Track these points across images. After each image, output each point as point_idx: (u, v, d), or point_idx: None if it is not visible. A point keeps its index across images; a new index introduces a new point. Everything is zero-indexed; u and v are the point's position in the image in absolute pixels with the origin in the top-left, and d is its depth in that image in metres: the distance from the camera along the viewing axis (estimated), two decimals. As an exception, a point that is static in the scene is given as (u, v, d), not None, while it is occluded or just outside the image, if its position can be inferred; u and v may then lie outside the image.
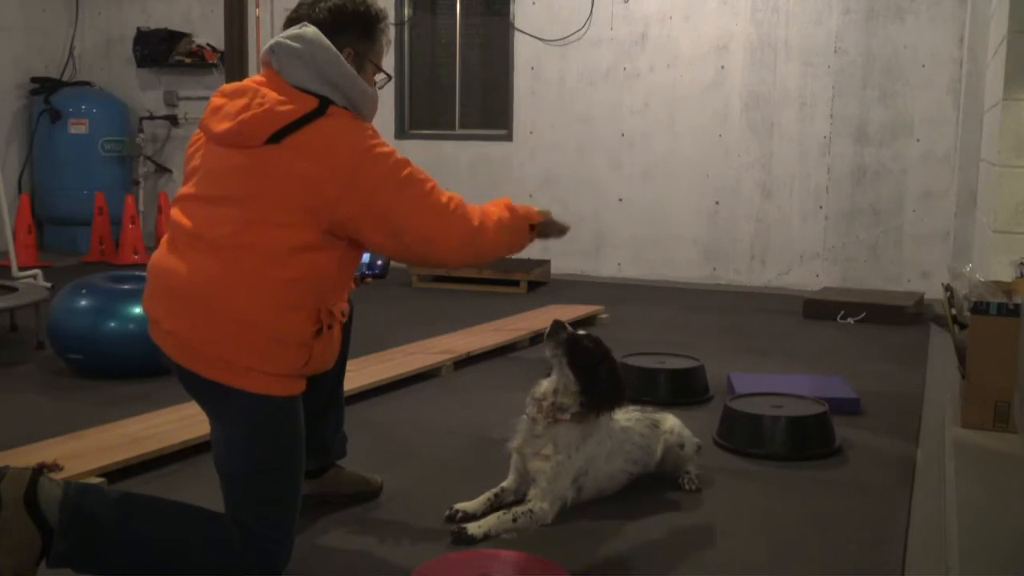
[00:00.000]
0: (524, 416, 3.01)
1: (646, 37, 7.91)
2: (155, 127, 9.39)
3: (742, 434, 3.63)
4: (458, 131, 8.53)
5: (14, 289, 5.40)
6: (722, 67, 7.73)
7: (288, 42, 2.41)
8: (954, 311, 4.10)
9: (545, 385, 2.99)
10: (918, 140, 7.31)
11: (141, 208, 8.96)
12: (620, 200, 8.08)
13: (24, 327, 5.38)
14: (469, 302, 6.80)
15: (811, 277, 7.61)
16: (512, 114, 8.30)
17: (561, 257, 8.13)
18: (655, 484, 3.24)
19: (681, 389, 4.31)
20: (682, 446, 3.24)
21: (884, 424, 4.02)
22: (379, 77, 2.62)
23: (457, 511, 2.90)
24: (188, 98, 9.27)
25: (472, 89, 8.60)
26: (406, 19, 8.58)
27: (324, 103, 2.37)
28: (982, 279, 4.05)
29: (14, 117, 9.16)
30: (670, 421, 3.30)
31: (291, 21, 2.53)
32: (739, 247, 7.81)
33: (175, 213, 2.44)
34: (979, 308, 3.71)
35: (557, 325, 2.96)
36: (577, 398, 2.92)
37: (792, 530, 2.92)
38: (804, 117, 7.57)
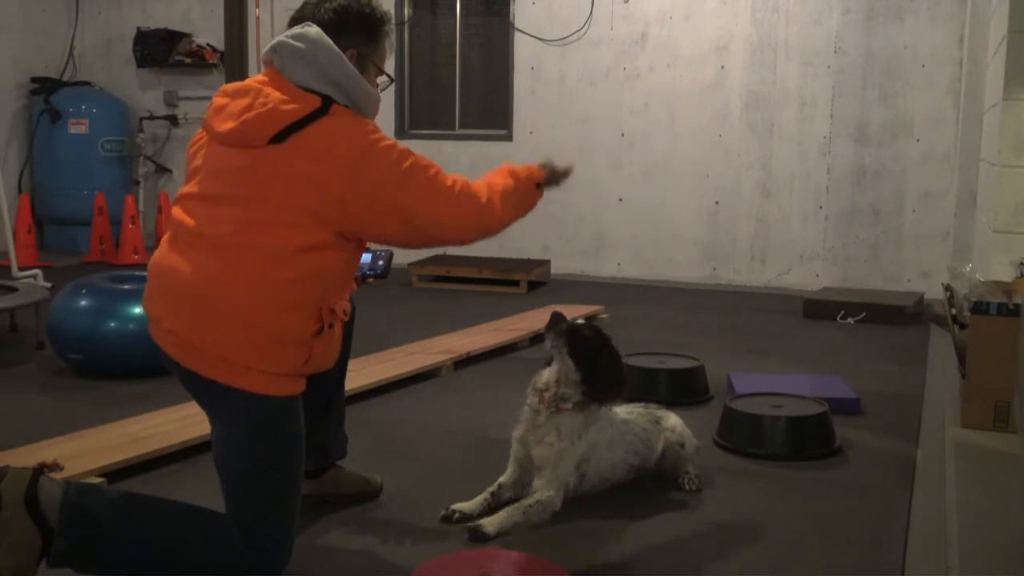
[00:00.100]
0: (526, 407, 3.02)
1: (646, 37, 7.91)
2: (155, 127, 9.39)
3: (742, 434, 3.63)
4: (458, 131, 8.53)
5: (14, 289, 5.40)
6: (722, 67, 7.73)
7: (291, 42, 2.41)
8: (954, 311, 4.10)
9: (546, 375, 3.00)
10: (918, 140, 7.31)
11: (141, 208, 8.95)
12: (620, 200, 8.08)
13: (24, 327, 5.38)
14: (469, 302, 6.80)
15: (811, 277, 7.61)
16: (512, 114, 8.30)
17: (561, 257, 8.14)
18: (655, 484, 3.24)
19: (681, 389, 4.31)
20: (683, 445, 3.24)
21: (884, 424, 4.02)
22: (381, 80, 2.62)
23: (454, 511, 2.90)
24: (188, 98, 9.27)
25: (472, 89, 8.60)
26: (406, 19, 8.58)
27: (327, 102, 2.38)
28: (982, 279, 4.05)
29: (14, 117, 9.16)
30: (672, 419, 3.31)
31: (295, 21, 2.53)
32: (739, 247, 7.81)
33: (177, 212, 2.44)
34: (979, 308, 3.72)
35: (556, 316, 2.97)
36: (578, 387, 2.93)
37: (792, 530, 2.92)
38: (804, 117, 7.57)
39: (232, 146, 2.38)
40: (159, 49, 9.17)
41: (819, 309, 6.46)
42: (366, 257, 3.02)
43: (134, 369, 4.42)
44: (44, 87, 9.08)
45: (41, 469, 2.21)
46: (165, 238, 2.47)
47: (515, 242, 8.25)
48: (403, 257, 6.45)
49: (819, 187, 7.57)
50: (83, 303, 4.53)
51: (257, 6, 8.58)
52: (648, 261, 8.04)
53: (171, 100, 9.32)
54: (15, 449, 3.30)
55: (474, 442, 3.73)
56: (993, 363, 3.66)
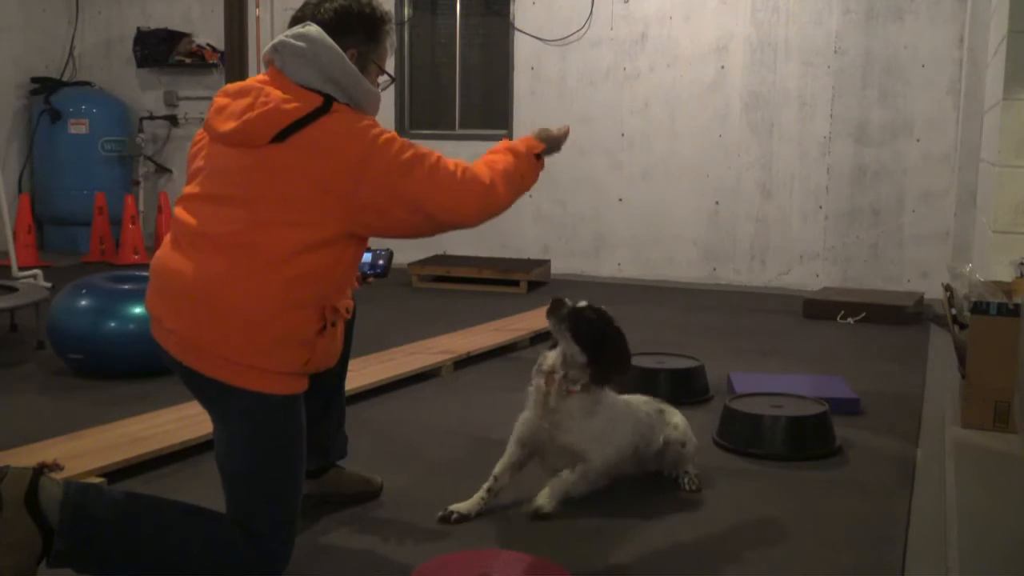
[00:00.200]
0: (531, 388, 3.04)
1: (646, 37, 7.91)
2: (155, 127, 9.39)
3: (742, 434, 3.63)
4: (458, 131, 8.53)
5: (14, 289, 5.40)
6: (722, 67, 7.73)
7: (292, 41, 2.42)
8: (954, 311, 4.10)
9: (551, 357, 3.02)
10: (918, 140, 7.31)
11: (141, 208, 8.95)
12: (620, 200, 8.08)
13: (24, 327, 5.38)
14: (469, 302, 6.80)
15: (811, 277, 7.61)
16: (512, 114, 8.30)
17: (561, 257, 8.14)
18: (655, 484, 3.25)
19: (681, 389, 4.31)
20: (684, 444, 3.25)
21: (884, 424, 4.02)
22: (382, 79, 2.63)
23: (451, 512, 2.91)
24: (188, 98, 9.27)
25: (472, 89, 8.61)
26: (406, 19, 8.58)
27: (328, 101, 2.38)
28: (982, 279, 4.05)
29: (14, 117, 9.16)
30: (677, 417, 3.32)
31: (296, 20, 2.53)
32: (739, 247, 7.81)
33: (179, 212, 2.44)
34: (979, 308, 3.72)
35: (557, 301, 2.99)
36: (585, 369, 2.94)
37: (792, 530, 2.92)
38: (804, 117, 7.57)
39: (234, 146, 2.39)
40: (159, 49, 9.17)
41: (819, 309, 6.46)
42: (366, 256, 3.02)
43: (134, 369, 4.42)
44: (44, 87, 9.08)
45: (41, 469, 2.21)
46: (167, 238, 2.47)
47: (515, 242, 8.26)
48: (403, 257, 6.45)
49: (819, 187, 7.57)
50: (83, 303, 4.53)
51: (257, 6, 8.58)
52: (648, 261, 8.04)
53: (171, 100, 9.32)
54: (15, 449, 3.30)
55: (474, 442, 3.73)
56: (993, 363, 3.66)
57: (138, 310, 4.40)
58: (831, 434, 3.67)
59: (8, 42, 9.06)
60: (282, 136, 2.33)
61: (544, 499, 2.93)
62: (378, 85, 2.60)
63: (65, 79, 9.38)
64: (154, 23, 9.30)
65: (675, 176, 7.92)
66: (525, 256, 8.17)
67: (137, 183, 9.18)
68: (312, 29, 2.44)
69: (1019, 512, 2.93)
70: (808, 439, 3.60)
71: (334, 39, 2.44)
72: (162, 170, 9.41)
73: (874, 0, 7.33)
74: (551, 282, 7.73)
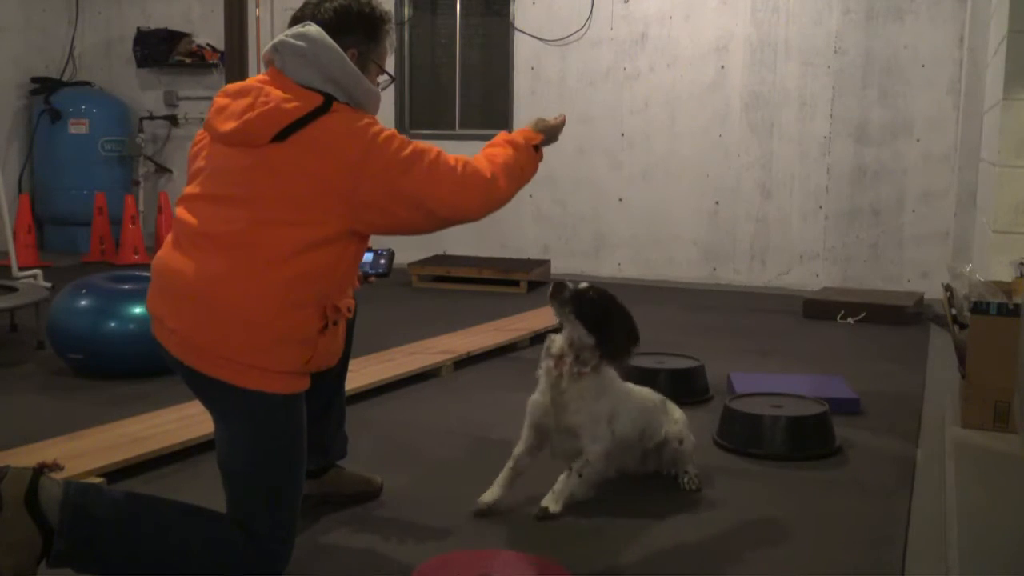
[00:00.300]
0: (540, 372, 3.05)
1: (646, 37, 7.91)
2: (155, 127, 9.39)
3: (742, 434, 3.63)
4: (458, 131, 8.53)
5: (14, 289, 5.39)
6: (722, 67, 7.73)
7: (292, 41, 2.42)
8: (954, 311, 4.10)
9: (559, 341, 3.03)
10: (918, 140, 7.31)
11: (141, 208, 8.95)
12: (620, 200, 8.08)
13: (24, 327, 5.38)
14: (469, 302, 6.80)
15: (811, 277, 7.61)
16: (512, 114, 8.29)
17: (561, 257, 8.14)
18: (655, 484, 3.25)
19: (681, 389, 4.30)
20: (681, 441, 3.25)
21: (884, 424, 4.02)
22: (382, 78, 2.63)
23: (482, 504, 2.93)
24: (188, 98, 9.27)
25: (472, 89, 8.60)
26: (406, 19, 8.58)
27: (328, 100, 2.38)
28: (982, 279, 4.05)
29: (14, 117, 9.16)
30: (678, 413, 3.33)
31: (296, 20, 2.54)
32: (739, 247, 7.81)
33: (180, 212, 2.44)
34: (979, 308, 3.71)
35: (558, 284, 3.00)
36: (594, 351, 2.95)
37: (792, 530, 2.92)
38: (804, 117, 7.57)
39: (234, 146, 2.39)
40: (159, 49, 9.17)
41: (819, 309, 6.46)
42: (368, 256, 3.02)
43: (134, 369, 4.42)
44: (44, 87, 9.08)
45: (41, 469, 2.21)
46: (169, 238, 2.48)
47: (515, 242, 8.26)
48: (403, 257, 6.45)
49: (819, 187, 7.57)
50: (83, 303, 4.53)
51: (257, 6, 8.58)
52: (648, 261, 8.04)
53: (171, 100, 9.32)
54: (15, 449, 3.30)
55: (474, 442, 3.73)
56: (993, 363, 3.66)
57: (138, 310, 4.40)
58: (831, 434, 3.67)
59: (8, 42, 9.06)
60: (282, 135, 2.33)
61: (550, 501, 2.94)
62: (378, 84, 2.60)
63: (65, 79, 9.38)
64: (154, 23, 9.30)
65: (675, 176, 7.92)
66: (525, 256, 8.17)
67: (137, 183, 9.18)
68: (312, 29, 2.44)
69: (1019, 512, 2.93)
70: (808, 439, 3.60)
71: (334, 39, 2.44)
72: (162, 170, 9.40)
73: (874, 0, 7.33)
74: (551, 282, 7.71)
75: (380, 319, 5.80)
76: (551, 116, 2.79)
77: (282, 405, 2.37)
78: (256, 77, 2.52)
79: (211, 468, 2.46)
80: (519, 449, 3.06)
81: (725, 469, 3.44)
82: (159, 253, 2.47)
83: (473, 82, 8.59)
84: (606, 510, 3.02)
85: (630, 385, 3.24)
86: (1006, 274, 4.45)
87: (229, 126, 2.38)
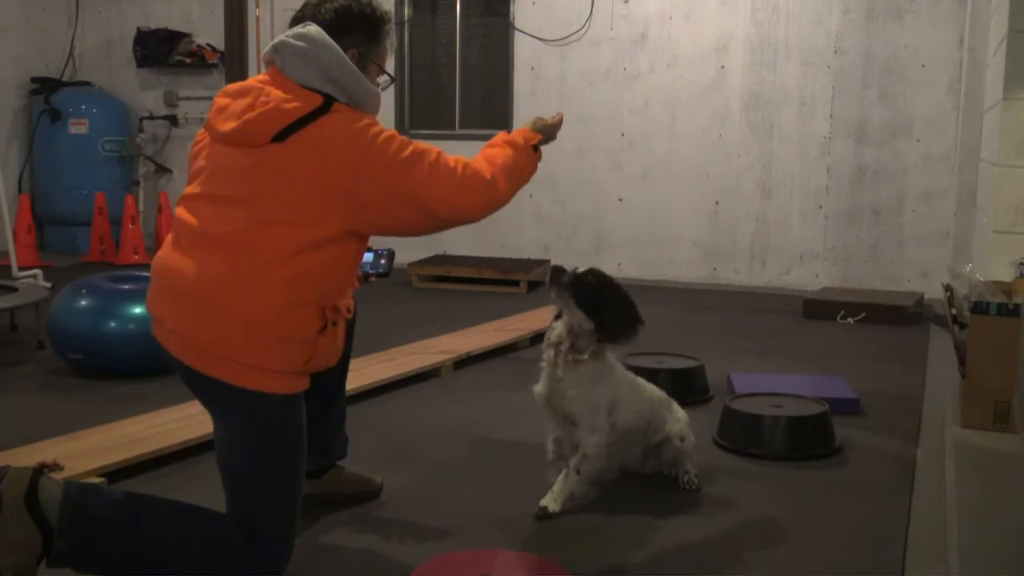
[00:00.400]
0: (543, 362, 3.05)
1: (646, 37, 7.91)
2: (155, 127, 9.39)
3: (742, 434, 3.63)
4: (458, 131, 8.53)
5: (14, 289, 5.39)
6: (722, 67, 7.73)
7: (292, 41, 2.42)
8: (954, 311, 4.10)
9: (559, 328, 3.02)
10: (918, 140, 7.31)
11: (141, 208, 8.95)
12: (620, 200, 8.08)
13: (24, 327, 5.38)
14: (469, 302, 6.80)
15: (811, 277, 7.61)
16: (512, 114, 8.29)
17: (561, 257, 8.12)
18: (655, 484, 3.24)
19: (681, 389, 4.29)
20: (683, 440, 3.24)
21: (884, 424, 4.02)
22: (382, 79, 2.63)
23: (543, 508, 2.93)
24: (188, 98, 9.27)
25: (472, 89, 8.60)
26: (406, 19, 8.58)
27: (328, 100, 2.38)
28: (982, 279, 4.05)
29: (14, 117, 9.16)
30: (681, 413, 3.32)
31: (296, 20, 2.54)
32: (739, 247, 7.81)
33: (180, 212, 2.45)
34: (979, 308, 3.71)
35: (557, 269, 2.99)
36: (592, 335, 2.94)
37: (792, 530, 2.92)
38: (804, 117, 7.57)
39: (234, 146, 2.39)
40: (159, 49, 9.17)
41: (819, 309, 6.46)
42: (368, 256, 3.02)
43: (134, 369, 4.42)
44: (44, 87, 9.08)
45: (41, 469, 2.21)
46: (169, 238, 2.48)
47: (515, 242, 8.26)
48: (403, 257, 6.44)
49: (819, 187, 7.57)
50: (83, 303, 4.53)
51: (257, 6, 8.58)
52: (648, 261, 8.04)
53: (171, 100, 9.32)
54: (15, 449, 3.30)
55: (474, 442, 3.73)
56: (993, 363, 3.66)
57: (138, 310, 4.40)
58: (831, 434, 3.66)
59: (8, 42, 9.06)
60: (282, 136, 2.33)
61: (549, 500, 2.94)
62: (378, 85, 2.60)
63: (65, 79, 9.38)
64: (154, 23, 9.30)
65: (675, 176, 7.92)
66: (525, 256, 8.17)
67: (137, 183, 9.19)
68: (312, 29, 2.44)
69: (1019, 512, 2.93)
70: (808, 439, 3.60)
71: (334, 39, 2.44)
72: (162, 170, 9.40)
73: (874, 0, 7.33)
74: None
75: (380, 319, 5.80)
76: (549, 114, 2.79)
77: (282, 405, 2.37)
78: (256, 77, 2.52)
79: (211, 468, 2.46)
80: (550, 438, 3.10)
81: (725, 469, 3.44)
82: (159, 253, 2.48)
83: (473, 82, 8.59)
84: (606, 510, 3.02)
85: (640, 380, 3.24)
86: (1006, 274, 4.45)
87: (229, 126, 2.38)
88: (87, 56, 9.58)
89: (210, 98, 2.55)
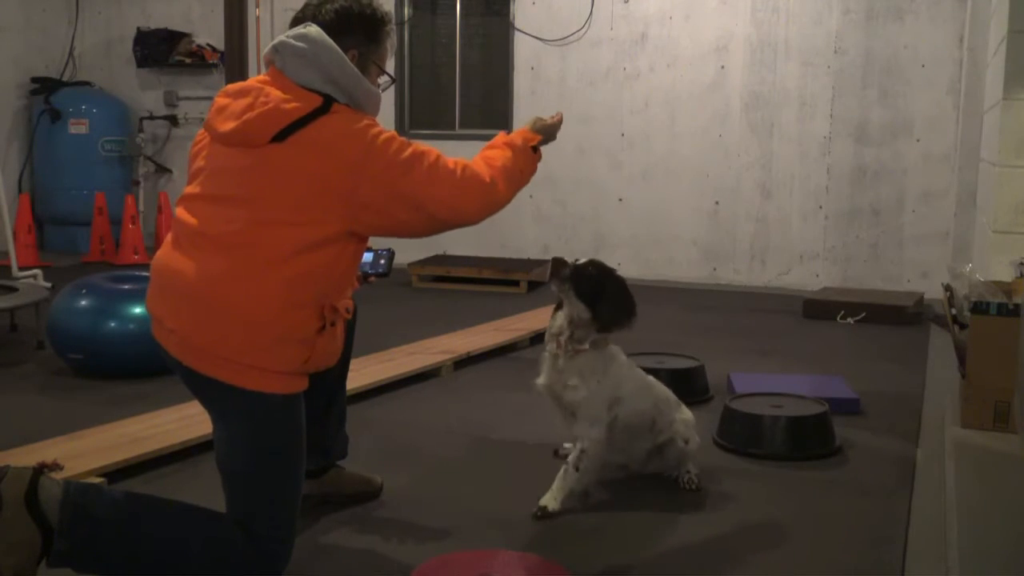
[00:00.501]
0: (545, 354, 3.05)
1: (646, 37, 7.91)
2: (155, 127, 9.39)
3: (742, 434, 3.63)
4: (458, 131, 8.53)
5: (14, 289, 5.39)
6: (722, 67, 7.73)
7: (292, 41, 2.42)
8: (954, 311, 4.09)
9: (559, 319, 3.03)
10: (918, 140, 7.31)
11: (141, 208, 8.95)
12: (620, 200, 8.08)
13: (24, 327, 5.38)
14: (469, 302, 6.80)
15: (811, 277, 7.61)
16: (512, 114, 8.29)
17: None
18: (655, 484, 3.25)
19: (681, 389, 4.28)
20: (687, 441, 3.24)
21: (884, 424, 4.02)
22: (382, 79, 2.63)
23: (543, 507, 2.93)
24: (188, 98, 9.27)
25: (472, 89, 8.60)
26: (406, 19, 8.58)
27: (328, 101, 2.38)
28: (982, 279, 4.05)
29: (14, 117, 9.16)
30: (688, 414, 3.32)
31: (296, 21, 2.54)
32: (739, 247, 7.81)
33: (180, 212, 2.45)
34: (979, 308, 3.71)
35: (558, 261, 3.00)
36: (592, 326, 2.95)
37: (792, 530, 2.92)
38: (804, 117, 7.57)
39: (234, 146, 2.39)
40: (159, 49, 9.16)
41: (819, 309, 6.46)
42: (368, 256, 3.02)
43: (134, 369, 4.42)
44: (44, 87, 9.08)
45: (41, 469, 2.21)
46: (168, 238, 2.48)
47: (515, 242, 8.26)
48: (403, 257, 6.45)
49: (819, 187, 7.57)
50: (83, 303, 4.53)
51: (257, 6, 8.58)
52: (648, 261, 8.04)
53: (171, 100, 9.32)
54: (15, 449, 3.30)
55: (474, 442, 3.73)
56: (993, 363, 3.66)
57: (138, 310, 4.40)
58: (831, 434, 3.66)
59: (8, 42, 9.06)
60: (282, 136, 2.33)
61: (549, 499, 2.94)
62: (378, 85, 2.60)
63: (65, 79, 9.38)
64: (154, 23, 9.30)
65: (675, 176, 7.92)
66: (525, 256, 8.17)
67: (137, 183, 9.18)
68: (312, 30, 2.44)
69: (1019, 512, 2.93)
70: (808, 439, 3.60)
71: (334, 40, 2.44)
72: (162, 170, 9.40)
73: (874, 0, 7.33)
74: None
75: (380, 319, 5.80)
76: (548, 115, 2.79)
77: (281, 405, 2.37)
78: (256, 77, 2.52)
79: (211, 468, 2.46)
80: (561, 429, 3.12)
81: (725, 469, 3.44)
82: (158, 253, 2.48)
83: (473, 82, 8.59)
84: (606, 510, 3.02)
85: (651, 378, 3.24)
86: (1006, 274, 4.45)
87: (229, 126, 2.38)
88: (87, 56, 9.58)
89: (210, 98, 2.55)
